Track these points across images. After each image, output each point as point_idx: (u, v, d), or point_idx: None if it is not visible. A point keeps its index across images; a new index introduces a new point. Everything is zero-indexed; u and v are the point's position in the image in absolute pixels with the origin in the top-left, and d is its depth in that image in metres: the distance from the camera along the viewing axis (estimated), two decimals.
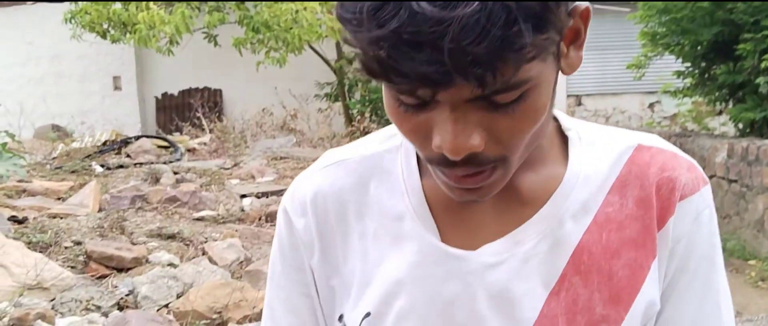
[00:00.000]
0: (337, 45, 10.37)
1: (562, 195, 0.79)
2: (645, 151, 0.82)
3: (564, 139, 0.83)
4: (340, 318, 0.86)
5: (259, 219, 4.97)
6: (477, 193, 0.72)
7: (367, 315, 0.83)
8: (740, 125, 6.68)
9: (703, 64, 7.17)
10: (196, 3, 8.37)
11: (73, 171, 6.56)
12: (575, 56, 0.72)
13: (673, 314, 0.83)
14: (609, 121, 11.76)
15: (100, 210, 5.22)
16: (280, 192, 5.70)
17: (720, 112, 7.53)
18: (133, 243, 4.33)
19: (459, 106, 0.64)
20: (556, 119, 0.83)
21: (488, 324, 0.79)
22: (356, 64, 0.65)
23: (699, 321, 0.83)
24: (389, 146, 0.86)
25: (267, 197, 5.58)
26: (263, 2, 8.10)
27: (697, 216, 0.81)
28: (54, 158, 7.64)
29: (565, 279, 0.79)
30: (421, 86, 0.61)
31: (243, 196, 5.56)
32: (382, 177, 0.85)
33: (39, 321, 3.19)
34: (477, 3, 0.57)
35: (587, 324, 0.79)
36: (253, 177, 6.35)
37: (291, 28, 8.06)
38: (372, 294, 0.83)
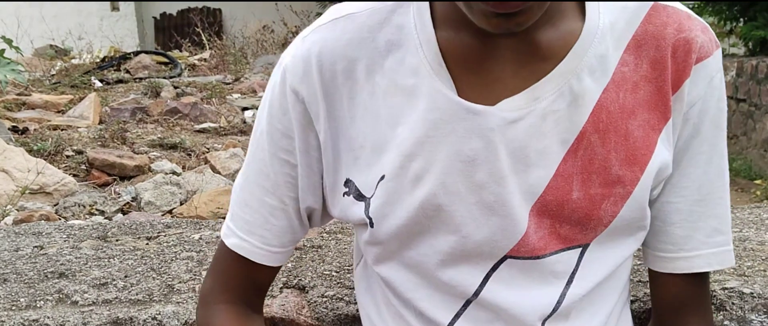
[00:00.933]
0: None
1: (581, 50, 0.76)
2: (661, 9, 0.79)
3: None
4: (347, 182, 0.82)
5: None
6: (515, 20, 0.67)
7: (382, 178, 0.79)
8: (750, 44, 6.57)
9: None
10: None
11: (72, 86, 6.48)
12: None
13: (680, 178, 0.82)
14: None
15: (100, 122, 5.16)
16: None
17: (730, 32, 7.40)
18: (135, 152, 4.29)
19: None
20: None
21: (507, 182, 0.76)
22: None
23: (704, 184, 0.82)
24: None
25: None
26: None
27: (711, 80, 0.79)
28: (53, 74, 7.54)
29: (584, 137, 0.76)
30: None
31: (244, 109, 5.51)
32: (394, 31, 0.79)
33: (43, 222, 3.19)
34: None
35: (602, 184, 0.78)
36: (254, 91, 6.28)
37: None
38: (387, 156, 0.79)
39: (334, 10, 0.83)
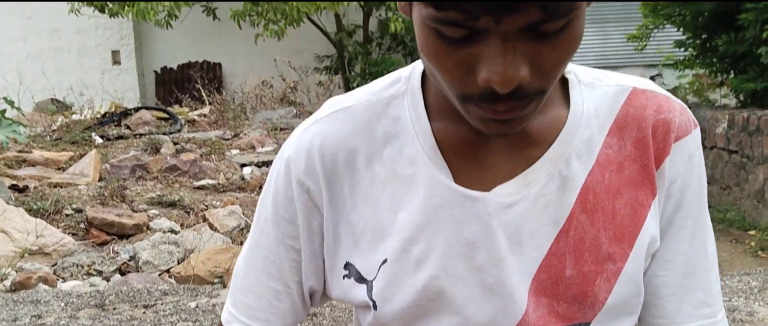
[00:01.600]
0: (337, 17, 10.32)
1: (568, 136, 0.81)
2: (640, 93, 0.84)
3: (564, 81, 0.84)
4: (347, 265, 0.85)
5: (260, 187, 4.96)
6: (511, 125, 0.72)
7: (384, 261, 0.83)
8: (741, 96, 6.67)
9: (705, 35, 7.13)
10: None
11: (73, 142, 6.56)
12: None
13: (667, 252, 0.86)
14: None
15: (100, 179, 5.22)
16: None
17: (721, 84, 7.50)
18: (134, 211, 4.33)
19: (509, 37, 0.64)
20: None
21: (506, 263, 0.80)
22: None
23: (690, 258, 0.86)
24: (394, 91, 0.85)
25: (267, 166, 5.58)
26: None
27: (690, 157, 0.84)
28: (54, 130, 7.63)
29: (573, 217, 0.81)
30: (491, 12, 0.61)
31: (243, 165, 5.57)
32: (390, 123, 0.84)
33: (41, 284, 3.21)
34: None
35: (594, 262, 0.81)
36: (253, 147, 6.35)
37: (289, 0, 8.00)
38: (389, 241, 0.82)
39: (332, 103, 0.89)
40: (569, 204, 0.80)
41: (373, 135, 0.84)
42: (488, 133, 0.73)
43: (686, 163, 0.84)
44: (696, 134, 0.85)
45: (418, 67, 0.86)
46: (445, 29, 0.65)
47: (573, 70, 0.85)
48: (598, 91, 0.84)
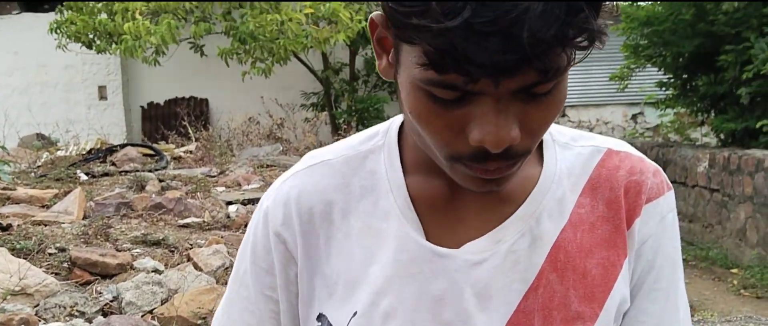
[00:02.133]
0: (324, 55, 10.41)
1: (539, 194, 0.83)
2: (614, 155, 0.86)
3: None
4: (319, 317, 0.86)
5: (245, 225, 4.97)
6: (497, 183, 0.74)
7: (355, 314, 0.84)
8: (722, 135, 6.77)
9: (685, 75, 7.27)
10: (183, 13, 8.34)
11: (57, 179, 6.53)
12: None
13: (638, 313, 0.86)
14: (593, 131, 11.83)
15: (84, 217, 5.20)
16: None
17: (702, 123, 7.62)
18: (118, 250, 4.32)
19: (502, 98, 0.65)
20: None
21: (474, 320, 0.81)
22: (415, 58, 0.65)
23: (662, 320, 0.86)
24: (372, 146, 0.88)
25: (253, 204, 5.58)
26: (249, 13, 8.09)
27: (662, 219, 0.85)
28: (38, 166, 7.60)
29: (542, 275, 0.82)
30: (491, 75, 0.62)
31: (229, 203, 5.57)
32: (366, 177, 0.86)
33: None
34: None
35: (563, 321, 0.82)
36: (239, 184, 6.36)
37: (277, 39, 8.07)
38: (359, 294, 0.84)
39: (310, 156, 0.92)
40: (539, 262, 0.82)
41: (350, 188, 0.86)
42: (474, 190, 0.75)
43: (658, 225, 0.85)
44: (669, 196, 0.86)
45: (395, 122, 0.88)
46: (439, 91, 0.66)
47: (549, 130, 0.86)
48: (572, 151, 0.86)
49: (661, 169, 0.88)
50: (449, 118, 0.68)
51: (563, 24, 0.60)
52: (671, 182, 0.91)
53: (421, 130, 0.72)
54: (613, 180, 0.84)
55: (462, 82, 0.63)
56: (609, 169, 0.85)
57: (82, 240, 4.52)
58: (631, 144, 0.95)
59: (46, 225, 4.82)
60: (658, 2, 6.75)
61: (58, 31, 9.36)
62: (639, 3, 7.22)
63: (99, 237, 4.54)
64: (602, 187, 0.84)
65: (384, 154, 0.86)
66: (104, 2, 8.77)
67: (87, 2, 8.79)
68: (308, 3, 7.86)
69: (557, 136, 0.87)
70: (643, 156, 0.88)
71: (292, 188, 0.88)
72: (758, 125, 6.03)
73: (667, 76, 7.44)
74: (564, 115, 11.98)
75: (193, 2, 7.96)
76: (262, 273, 0.88)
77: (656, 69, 7.48)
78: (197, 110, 11.51)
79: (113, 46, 8.77)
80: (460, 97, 0.66)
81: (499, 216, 0.82)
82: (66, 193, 5.66)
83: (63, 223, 4.92)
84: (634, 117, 11.81)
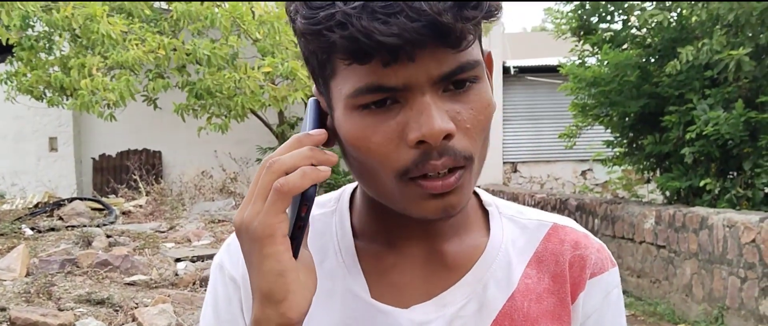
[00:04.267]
0: (280, 112, 10.43)
1: (485, 263, 0.85)
2: (560, 229, 0.89)
3: (485, 213, 0.89)
4: None
5: (193, 283, 4.89)
6: (450, 200, 0.74)
7: None
8: (667, 193, 6.93)
9: (631, 135, 7.45)
10: (139, 69, 8.24)
11: (1, 234, 6.37)
12: (490, 87, 0.79)
13: None
14: (543, 187, 12.06)
15: (27, 274, 5.06)
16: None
17: (648, 181, 7.81)
18: (61, 309, 4.20)
19: (428, 91, 0.69)
20: (477, 195, 0.89)
21: None
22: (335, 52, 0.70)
23: None
24: (324, 211, 0.90)
25: (202, 261, 5.50)
26: (207, 70, 8.04)
27: (607, 295, 0.88)
28: None
29: None
30: (404, 45, 0.66)
31: (177, 260, 5.47)
32: (316, 238, 0.87)
33: None
34: None
35: None
36: (189, 240, 6.27)
37: (234, 96, 8.06)
38: None
39: None
40: None
41: None
42: (430, 216, 0.75)
43: (602, 300, 0.87)
44: (613, 273, 0.88)
45: (347, 190, 0.91)
46: (369, 98, 0.70)
47: (495, 203, 0.90)
48: (518, 223, 0.89)
49: (604, 246, 0.91)
50: (386, 130, 0.71)
51: None
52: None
53: (364, 157, 0.73)
54: (559, 254, 0.86)
55: (384, 62, 0.67)
56: (554, 243, 0.87)
57: (23, 298, 4.39)
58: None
59: None
60: (604, 64, 6.96)
61: (8, 81, 9.19)
62: (586, 64, 7.44)
63: (41, 295, 4.42)
64: (548, 260, 0.86)
65: (335, 218, 0.88)
66: (57, 57, 8.65)
67: (39, 55, 8.65)
68: (266, 61, 7.89)
69: (503, 209, 0.90)
70: (588, 232, 0.91)
71: None
72: (702, 184, 6.20)
73: (613, 135, 7.63)
74: (516, 171, 12.17)
75: (150, 60, 7.86)
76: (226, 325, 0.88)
77: (604, 128, 7.68)
78: (149, 163, 11.38)
79: (68, 100, 8.63)
80: (390, 103, 0.70)
81: (445, 281, 0.84)
82: (9, 249, 5.51)
83: (5, 281, 4.79)
84: (583, 173, 12.07)
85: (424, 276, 0.84)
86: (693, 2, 6.38)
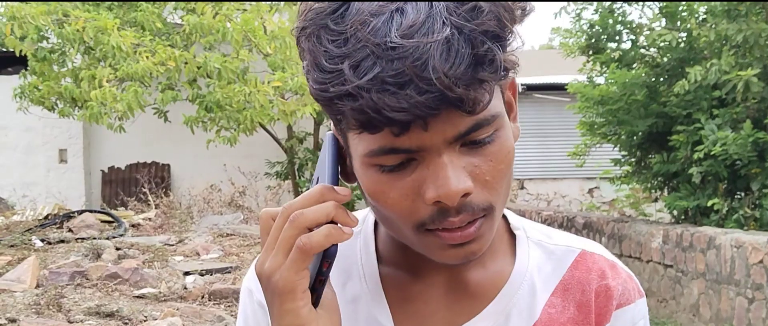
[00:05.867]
0: (289, 126, 10.48)
1: (510, 292, 0.84)
2: (588, 257, 0.87)
3: (512, 236, 0.87)
4: None
5: (202, 297, 4.92)
6: (470, 248, 0.73)
7: None
8: (675, 213, 6.93)
9: (639, 153, 7.46)
10: (149, 80, 8.33)
11: (11, 246, 6.41)
12: (515, 127, 0.78)
13: None
14: (550, 204, 12.07)
15: (37, 286, 5.10)
16: (224, 270, 5.65)
17: (656, 199, 7.80)
18: (70, 322, 4.24)
19: (445, 151, 0.67)
20: (505, 218, 0.88)
21: None
22: (347, 122, 0.68)
23: None
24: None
25: (211, 274, 5.53)
26: (217, 83, 8.12)
27: None
28: None
29: None
30: (415, 118, 0.64)
31: (186, 273, 5.50)
32: (340, 259, 0.86)
33: None
34: (447, 30, 0.62)
35: None
36: (197, 253, 6.30)
37: (243, 109, 8.11)
38: None
39: None
40: None
41: None
42: (451, 262, 0.74)
43: None
44: (640, 304, 0.86)
45: (371, 212, 0.90)
46: (385, 159, 0.68)
47: (523, 226, 0.88)
48: (545, 249, 0.87)
49: (633, 275, 0.89)
50: (403, 187, 0.69)
51: (469, 59, 0.63)
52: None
53: (383, 209, 0.73)
54: (585, 283, 0.85)
55: (395, 133, 0.65)
56: (581, 272, 0.85)
57: (33, 310, 4.43)
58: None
59: None
60: (612, 83, 6.99)
61: (22, 95, 9.30)
62: (595, 83, 7.47)
63: (51, 307, 4.45)
64: (574, 289, 0.85)
65: (360, 241, 0.87)
66: (69, 69, 8.75)
67: (51, 67, 8.76)
68: (277, 76, 7.94)
69: (531, 233, 0.88)
70: (616, 260, 0.89)
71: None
72: (709, 204, 6.20)
73: (621, 154, 7.64)
74: (523, 188, 12.18)
75: (160, 72, 7.95)
76: None
77: (612, 146, 7.69)
78: (159, 176, 11.44)
79: (78, 111, 8.72)
80: (406, 161, 0.68)
81: (469, 311, 0.83)
82: (20, 260, 5.56)
83: (15, 292, 4.83)
84: (590, 191, 12.07)
85: (447, 305, 0.83)
86: (701, 23, 6.42)
